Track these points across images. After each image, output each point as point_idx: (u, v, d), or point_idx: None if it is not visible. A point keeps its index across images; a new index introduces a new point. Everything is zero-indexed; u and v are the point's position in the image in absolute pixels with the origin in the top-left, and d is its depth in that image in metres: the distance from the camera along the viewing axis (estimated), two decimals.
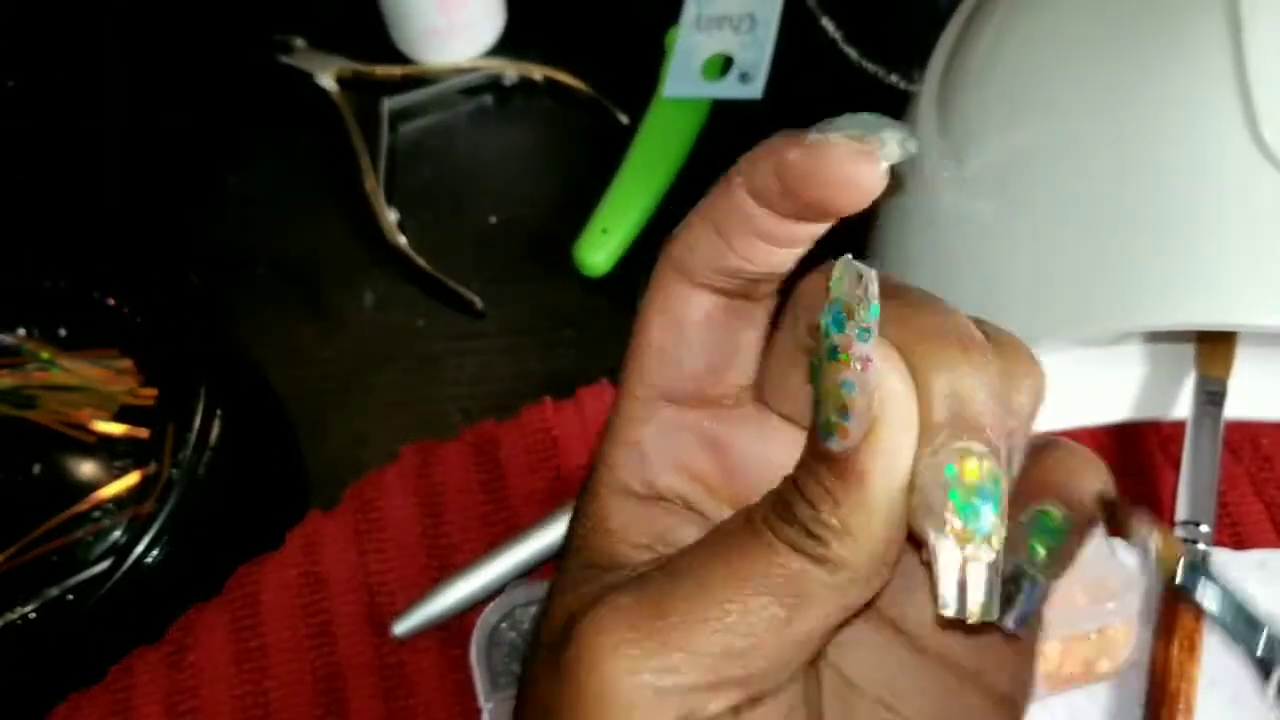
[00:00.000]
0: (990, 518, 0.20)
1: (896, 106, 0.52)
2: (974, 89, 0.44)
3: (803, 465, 0.21)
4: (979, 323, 0.22)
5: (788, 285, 0.25)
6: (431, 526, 0.51)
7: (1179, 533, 0.44)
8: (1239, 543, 0.47)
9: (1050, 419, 0.53)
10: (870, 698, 0.24)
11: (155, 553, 0.45)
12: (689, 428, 0.25)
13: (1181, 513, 0.44)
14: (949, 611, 0.20)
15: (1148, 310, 0.37)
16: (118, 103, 0.66)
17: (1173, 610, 0.44)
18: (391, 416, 0.55)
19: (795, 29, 0.62)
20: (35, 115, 0.66)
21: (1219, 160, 0.36)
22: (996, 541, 0.20)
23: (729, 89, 0.60)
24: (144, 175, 0.64)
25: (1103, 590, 0.45)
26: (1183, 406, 0.48)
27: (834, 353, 0.20)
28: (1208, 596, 0.20)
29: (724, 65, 0.61)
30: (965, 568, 0.20)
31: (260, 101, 0.65)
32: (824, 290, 0.22)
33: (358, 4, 0.65)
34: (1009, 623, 0.22)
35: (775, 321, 0.25)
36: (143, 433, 0.51)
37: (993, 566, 0.20)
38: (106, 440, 0.51)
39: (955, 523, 0.20)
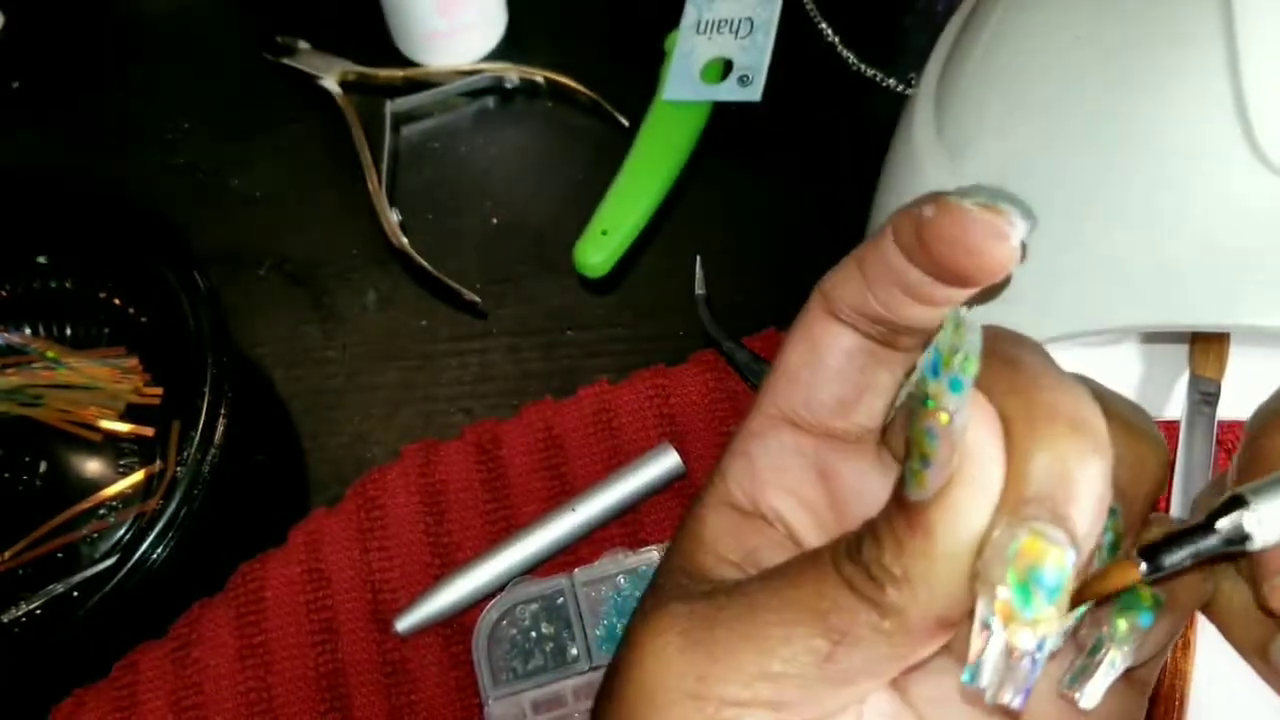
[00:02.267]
0: (1042, 606, 0.19)
1: (894, 109, 0.52)
2: (971, 92, 0.45)
3: (884, 509, 0.21)
4: (1104, 399, 0.21)
5: None
6: (434, 524, 0.51)
7: None
8: None
9: None
10: None
11: (160, 550, 0.45)
12: (804, 452, 0.25)
13: (1175, 512, 0.45)
14: (965, 680, 0.20)
15: (1141, 310, 0.37)
16: (120, 103, 0.67)
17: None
18: (394, 415, 0.56)
19: (794, 32, 0.63)
20: (40, 115, 0.67)
21: (1213, 162, 0.37)
22: (1041, 630, 0.19)
23: (728, 92, 0.60)
24: (149, 176, 0.64)
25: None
26: (1176, 406, 0.49)
27: (926, 400, 0.20)
28: (1175, 555, 0.20)
29: (723, 68, 0.61)
30: (992, 647, 0.19)
31: (264, 103, 0.66)
32: None
33: (361, 7, 0.65)
34: (1085, 695, 0.21)
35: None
36: (148, 431, 0.51)
37: (1029, 656, 0.19)
38: (112, 438, 0.51)
39: (1005, 599, 0.19)
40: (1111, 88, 0.39)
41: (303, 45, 0.66)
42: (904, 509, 0.20)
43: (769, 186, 0.60)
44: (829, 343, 0.24)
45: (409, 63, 0.65)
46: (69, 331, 0.54)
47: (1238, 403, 0.48)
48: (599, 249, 0.57)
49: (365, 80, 0.64)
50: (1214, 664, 0.44)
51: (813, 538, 0.25)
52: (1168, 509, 0.45)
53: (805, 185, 0.60)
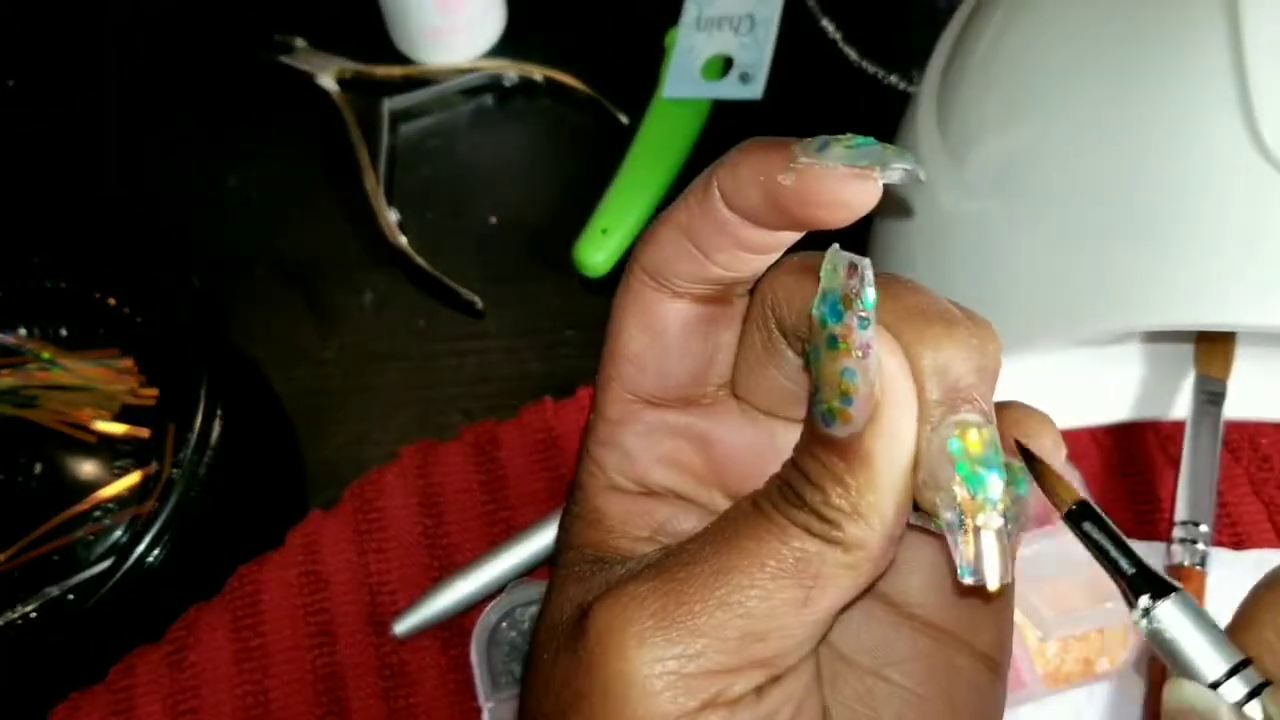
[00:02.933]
0: (997, 485, 0.21)
1: (896, 107, 0.52)
2: (973, 89, 0.44)
3: (804, 452, 0.22)
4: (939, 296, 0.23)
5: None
6: (432, 526, 0.51)
7: (1178, 533, 0.44)
8: (1238, 543, 0.47)
9: (1051, 418, 0.53)
10: (863, 669, 0.25)
11: (156, 552, 0.45)
12: (671, 427, 0.26)
13: (1181, 513, 0.44)
14: (969, 580, 0.21)
15: (1147, 310, 0.37)
16: (118, 102, 0.66)
17: None
18: (392, 416, 0.55)
19: (795, 29, 0.63)
20: (36, 115, 0.66)
21: (1218, 160, 0.36)
22: (1004, 507, 0.21)
23: (729, 89, 0.60)
24: (144, 175, 0.64)
25: (1102, 590, 0.45)
26: (1182, 406, 0.48)
27: (833, 342, 0.21)
28: (1093, 530, 0.21)
29: (724, 66, 0.61)
30: (979, 536, 0.21)
31: (261, 102, 0.65)
32: (799, 284, 0.23)
33: (358, 4, 0.65)
34: (989, 575, 0.22)
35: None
36: (143, 432, 0.51)
37: (1002, 532, 0.21)
38: (107, 440, 0.51)
39: (964, 494, 0.20)
40: (1115, 86, 0.39)
41: (300, 43, 0.65)
42: (833, 447, 0.21)
43: None
44: (666, 320, 0.25)
45: (407, 60, 0.65)
46: (64, 332, 0.53)
47: (1244, 403, 0.48)
48: (599, 248, 0.57)
49: (363, 78, 0.64)
50: None
51: (704, 496, 0.26)
52: (1173, 509, 0.45)
53: None
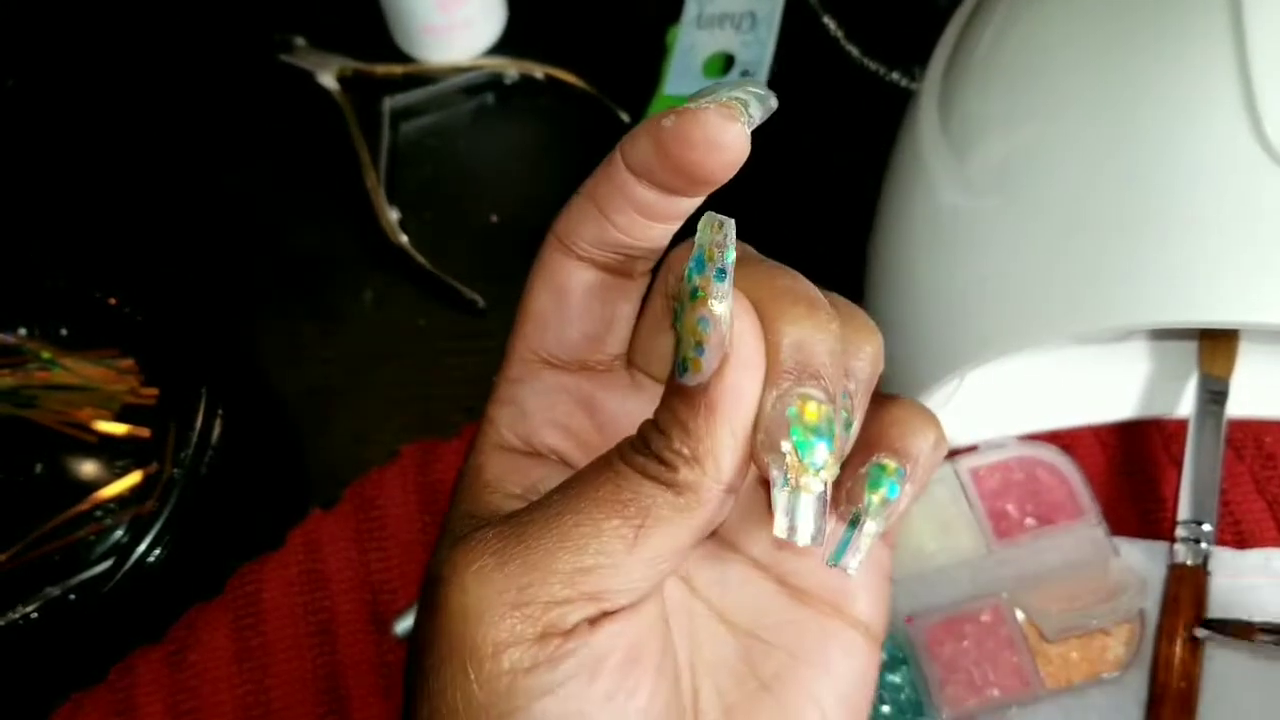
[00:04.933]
0: (823, 454, 0.22)
1: (898, 104, 0.52)
2: (975, 86, 0.44)
3: (661, 405, 0.23)
4: (826, 293, 0.25)
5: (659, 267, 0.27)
6: (432, 525, 0.51)
7: (1181, 532, 0.44)
8: (1241, 542, 0.47)
9: (1053, 417, 0.53)
10: (741, 629, 0.27)
11: (157, 552, 0.45)
12: (566, 389, 0.27)
13: (1184, 512, 0.44)
14: (781, 534, 0.22)
15: (1150, 308, 0.37)
16: (118, 101, 0.66)
17: (1174, 610, 0.44)
18: (392, 415, 0.55)
19: (796, 27, 0.62)
20: (35, 114, 0.66)
21: (1222, 157, 0.36)
22: (826, 475, 0.22)
23: None
24: (145, 174, 0.64)
25: (1104, 590, 0.45)
26: (1186, 404, 0.48)
27: (695, 293, 0.22)
28: None
29: (725, 63, 0.61)
30: (798, 498, 0.22)
31: (261, 100, 0.65)
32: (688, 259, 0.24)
33: (358, 3, 0.65)
34: (849, 561, 0.24)
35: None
36: (144, 432, 0.51)
37: (820, 498, 0.22)
38: (108, 440, 0.51)
39: (792, 457, 0.22)
40: (1118, 81, 0.39)
41: (300, 42, 0.65)
42: (683, 395, 0.23)
43: (771, 182, 0.60)
44: (570, 282, 0.27)
45: (407, 59, 0.65)
46: (64, 332, 0.53)
47: (1248, 401, 0.48)
48: None
49: (363, 76, 0.64)
50: (1223, 665, 0.44)
51: (584, 461, 0.27)
52: (1176, 508, 0.45)
53: (808, 181, 0.59)
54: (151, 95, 0.66)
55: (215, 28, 0.69)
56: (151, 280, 0.52)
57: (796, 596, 0.28)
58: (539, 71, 0.64)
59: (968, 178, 0.42)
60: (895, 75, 0.62)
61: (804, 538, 0.22)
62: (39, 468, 0.51)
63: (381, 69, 0.64)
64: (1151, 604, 0.45)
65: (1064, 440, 0.49)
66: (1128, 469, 0.50)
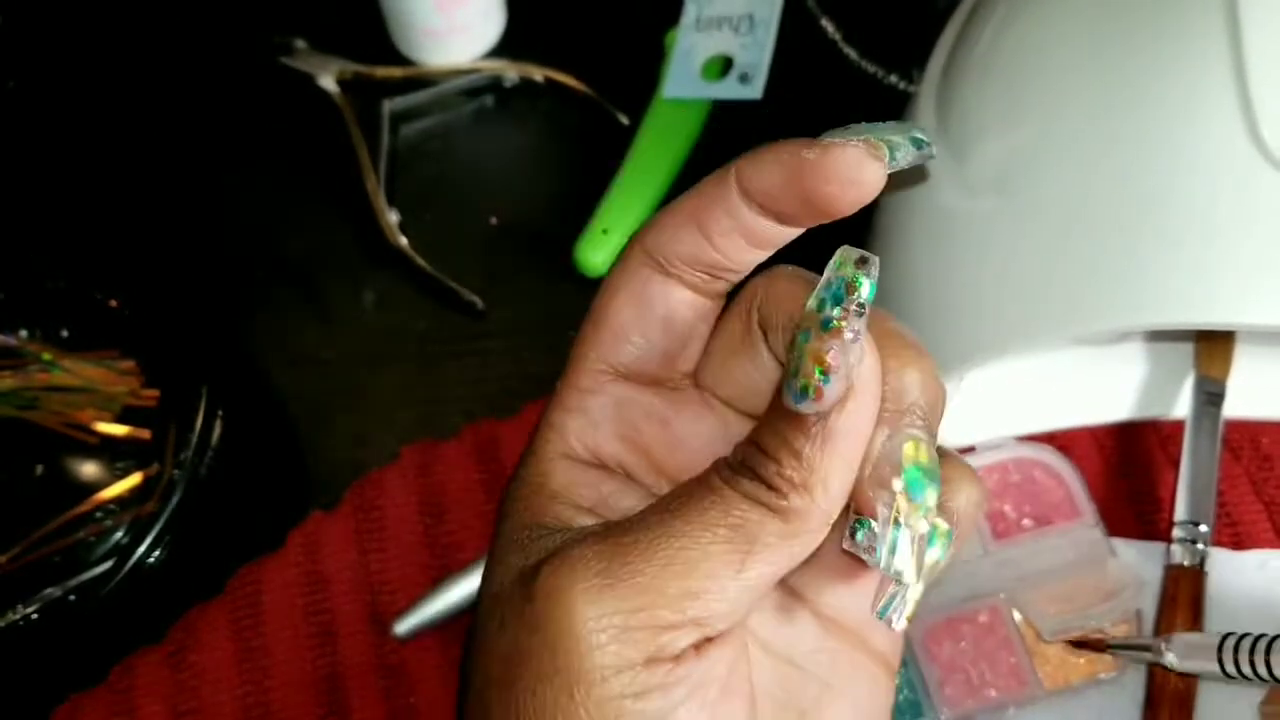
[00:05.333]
0: (932, 496, 0.23)
1: (896, 106, 0.52)
2: (973, 88, 0.44)
3: (764, 428, 0.23)
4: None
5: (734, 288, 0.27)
6: (432, 526, 0.51)
7: (1178, 533, 0.44)
8: (1238, 543, 0.47)
9: (1050, 418, 0.53)
10: (779, 656, 0.27)
11: (157, 553, 0.45)
12: (638, 404, 0.27)
13: (1180, 513, 0.44)
14: (880, 568, 0.23)
15: (1147, 310, 0.37)
16: (119, 103, 0.66)
17: (1171, 611, 0.44)
18: (392, 416, 0.55)
19: (795, 29, 0.62)
20: (36, 116, 0.66)
21: (1218, 159, 0.36)
22: (931, 518, 0.23)
23: (729, 90, 0.60)
24: (145, 176, 0.64)
25: (1102, 590, 0.45)
26: (1183, 406, 0.48)
27: (828, 323, 0.22)
28: None
29: (724, 66, 0.61)
30: (901, 536, 0.23)
31: (261, 103, 0.65)
32: (791, 287, 0.25)
33: (358, 5, 0.65)
34: (895, 620, 0.24)
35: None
36: (144, 433, 0.51)
37: (923, 539, 0.23)
38: (108, 441, 0.51)
39: (903, 496, 0.23)
40: (1115, 84, 0.39)
41: (300, 44, 0.65)
42: (796, 421, 0.22)
43: None
44: (656, 299, 0.26)
45: (407, 61, 0.65)
46: (65, 333, 0.53)
47: (1244, 402, 0.48)
48: (600, 248, 0.57)
49: (363, 79, 0.64)
50: None
51: (650, 479, 0.27)
52: (1173, 508, 0.45)
53: None
54: (152, 97, 0.66)
55: (215, 30, 0.69)
56: (152, 282, 0.52)
57: (826, 626, 0.28)
58: (538, 74, 0.64)
59: (966, 179, 0.43)
60: (893, 77, 0.62)
61: (908, 576, 0.23)
62: (40, 469, 0.51)
63: (381, 71, 0.64)
64: (1149, 605, 0.45)
65: (1061, 441, 0.50)
66: (1125, 470, 0.50)
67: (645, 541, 0.23)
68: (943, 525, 0.24)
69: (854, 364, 0.22)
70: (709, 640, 0.24)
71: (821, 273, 0.23)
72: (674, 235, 0.26)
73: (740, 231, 0.25)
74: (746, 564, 0.23)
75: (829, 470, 0.23)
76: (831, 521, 0.23)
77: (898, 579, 0.23)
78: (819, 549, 0.24)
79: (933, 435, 0.24)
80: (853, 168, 0.23)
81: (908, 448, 0.23)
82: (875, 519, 0.23)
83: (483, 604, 0.25)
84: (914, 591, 0.24)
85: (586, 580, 0.23)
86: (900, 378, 0.24)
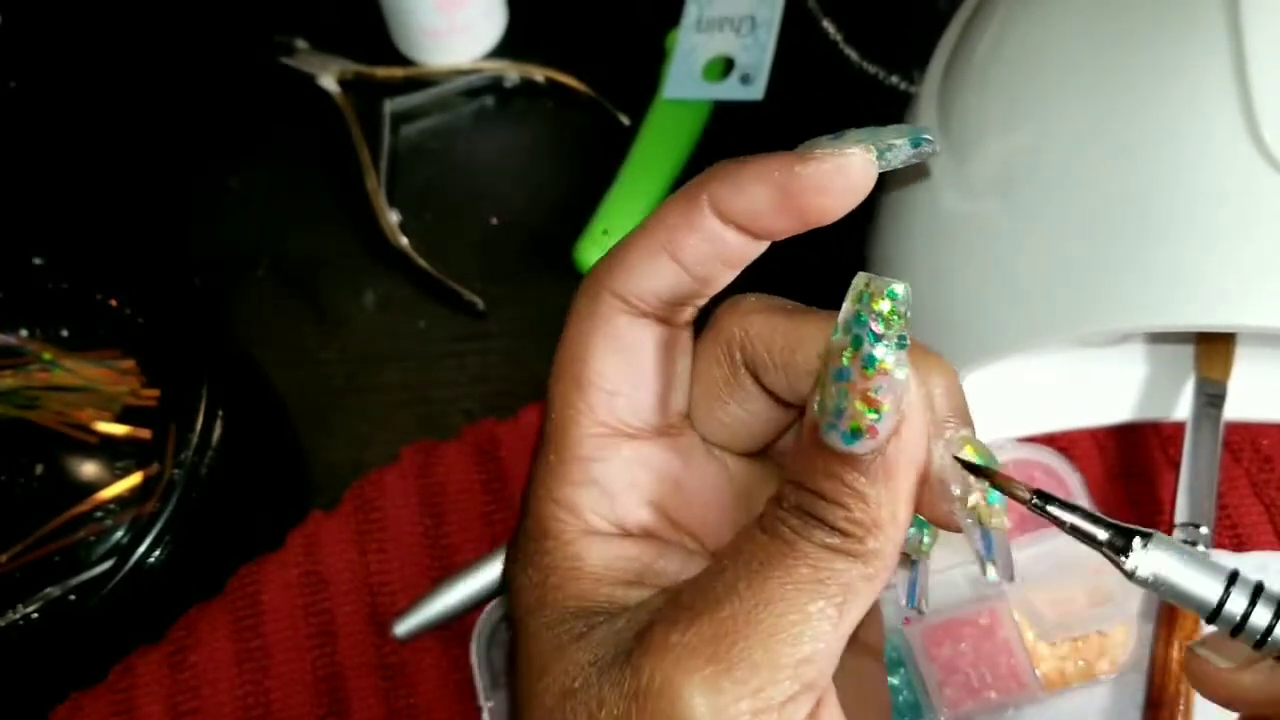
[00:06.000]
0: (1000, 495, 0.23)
1: (897, 107, 0.52)
2: (974, 90, 0.44)
3: (815, 473, 0.22)
4: None
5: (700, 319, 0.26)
6: (432, 526, 0.51)
7: (1178, 535, 0.44)
8: (1239, 545, 0.47)
9: (1051, 419, 0.53)
10: None
11: (157, 553, 0.45)
12: (646, 462, 0.26)
13: (1181, 514, 0.44)
14: (998, 577, 0.23)
15: (1147, 311, 0.37)
16: (120, 104, 0.66)
17: (1172, 613, 0.44)
18: (393, 417, 0.55)
19: (796, 31, 0.62)
20: (37, 116, 0.66)
21: (1219, 161, 0.36)
22: (1004, 508, 0.23)
23: (730, 91, 0.60)
24: (146, 176, 0.64)
25: (1101, 592, 0.45)
26: (1183, 408, 0.48)
27: (871, 362, 0.21)
28: (1060, 510, 0.23)
29: (725, 67, 0.61)
30: (995, 538, 0.23)
31: (262, 103, 0.65)
32: (771, 321, 0.24)
33: (359, 5, 0.65)
34: (924, 604, 0.26)
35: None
36: (145, 433, 0.51)
37: (1006, 534, 0.23)
38: (109, 441, 0.51)
39: (981, 500, 0.23)
40: (1116, 86, 0.39)
41: (300, 44, 0.65)
42: (854, 464, 0.22)
43: None
44: (639, 341, 0.25)
45: (408, 61, 0.65)
46: (65, 333, 0.53)
47: (1245, 404, 0.48)
48: (600, 248, 0.57)
49: (364, 79, 0.64)
50: None
51: (673, 535, 0.26)
52: (1173, 509, 0.45)
53: None
54: (153, 98, 0.66)
55: (217, 30, 0.69)
56: (152, 281, 0.52)
57: None
58: (539, 74, 0.64)
59: (967, 181, 0.43)
60: (895, 79, 0.62)
61: (1009, 574, 0.23)
62: (40, 469, 0.51)
63: (382, 72, 0.64)
64: (1149, 607, 0.45)
65: (1062, 443, 0.50)
66: (1125, 472, 0.50)
67: (742, 616, 0.22)
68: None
69: (901, 396, 0.22)
70: (819, 701, 0.23)
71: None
72: (646, 272, 0.24)
73: (718, 255, 0.24)
74: (844, 615, 0.22)
75: (897, 504, 0.22)
76: (900, 549, 0.23)
77: (994, 577, 0.23)
78: None
79: (973, 427, 0.24)
80: (848, 175, 0.23)
81: (966, 451, 0.23)
82: (957, 530, 0.23)
83: (545, 703, 0.23)
84: (1002, 534, 0.24)
85: (700, 669, 0.22)
86: (940, 386, 0.24)
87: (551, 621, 0.24)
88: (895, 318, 0.22)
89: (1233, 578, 0.23)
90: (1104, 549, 0.23)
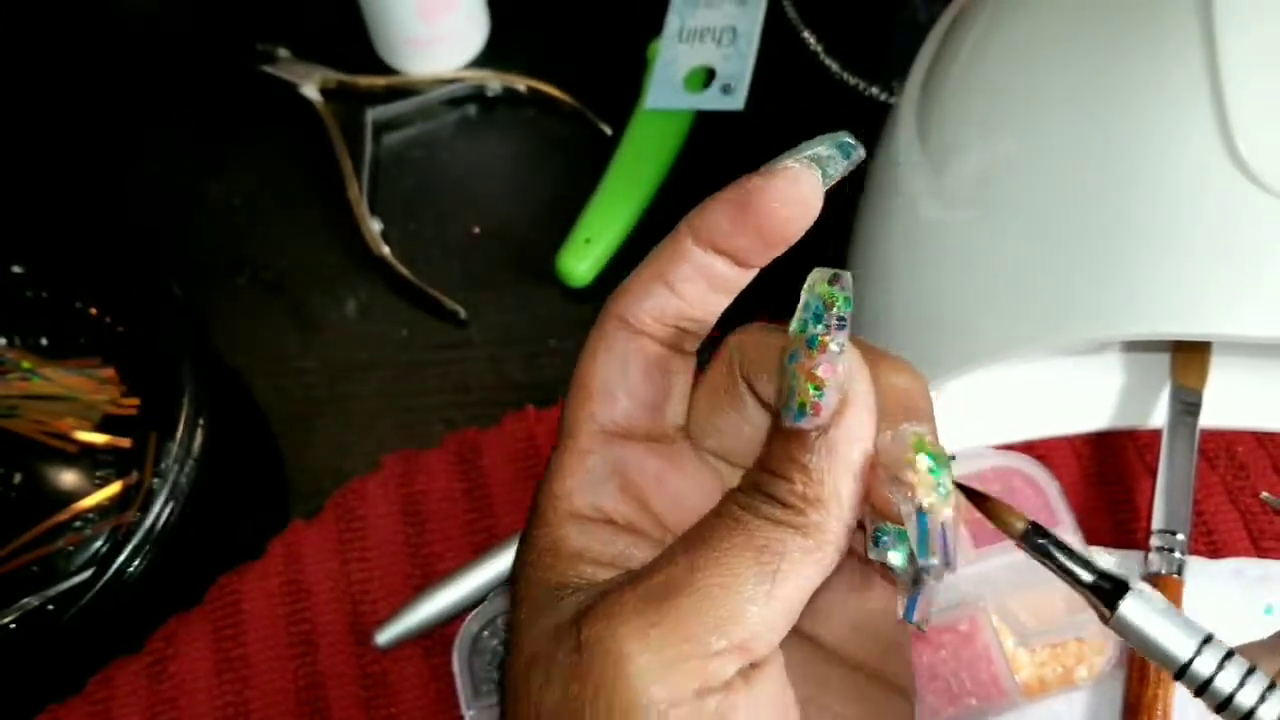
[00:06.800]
0: (948, 482, 0.24)
1: (877, 118, 0.52)
2: (953, 100, 0.45)
3: (770, 451, 0.24)
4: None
5: (709, 346, 0.29)
6: (414, 535, 0.51)
7: (1155, 541, 0.44)
8: (1215, 551, 0.48)
9: (1029, 427, 0.53)
10: (805, 699, 0.28)
11: (137, 563, 0.45)
12: (637, 462, 0.28)
13: (1157, 521, 0.45)
14: (933, 563, 0.24)
15: (1123, 320, 0.37)
16: (101, 111, 0.66)
17: None
18: (374, 425, 0.55)
19: (777, 42, 0.63)
20: (15, 123, 0.66)
21: (1194, 172, 0.37)
22: (951, 499, 0.24)
23: (711, 101, 0.60)
24: (127, 183, 0.64)
25: (1080, 600, 0.45)
26: (1160, 415, 0.49)
27: (814, 341, 0.24)
28: (1052, 547, 0.24)
29: (706, 77, 0.61)
30: (941, 525, 0.24)
31: (244, 111, 0.65)
32: (765, 336, 0.27)
33: (341, 14, 0.65)
34: (920, 618, 0.26)
35: (698, 371, 0.29)
36: (125, 442, 0.51)
37: (951, 525, 0.24)
38: (88, 450, 0.51)
39: (926, 488, 0.24)
40: (1093, 97, 0.39)
41: (283, 53, 0.65)
42: (799, 438, 0.24)
43: None
44: (631, 355, 0.28)
45: (390, 70, 0.65)
46: (45, 341, 0.53)
47: (1220, 411, 0.48)
48: (582, 258, 0.57)
49: (346, 88, 0.64)
50: None
51: (656, 533, 0.28)
52: (1150, 516, 0.45)
53: None
54: (134, 105, 0.66)
55: (199, 39, 0.69)
56: (132, 289, 0.51)
57: (844, 667, 0.29)
58: (521, 84, 0.64)
59: (945, 191, 0.43)
60: (874, 89, 0.63)
61: (944, 563, 0.24)
62: (18, 478, 0.51)
63: (364, 80, 0.64)
64: None
65: (1039, 450, 0.50)
66: (1102, 479, 0.50)
67: (679, 577, 0.24)
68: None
69: (843, 374, 0.23)
70: (754, 667, 0.24)
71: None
72: (642, 295, 0.27)
73: (701, 276, 0.27)
74: (777, 582, 0.23)
75: (838, 478, 0.24)
76: (850, 531, 0.24)
77: (926, 572, 0.24)
78: (828, 585, 0.25)
79: (934, 430, 0.25)
80: (795, 184, 0.25)
81: (913, 440, 0.24)
82: (897, 520, 0.24)
83: (517, 665, 0.26)
84: (949, 530, 0.25)
85: (629, 623, 0.23)
86: (890, 383, 0.25)
87: (532, 594, 0.26)
88: (836, 300, 0.24)
89: (1207, 638, 0.23)
90: (1085, 592, 0.24)
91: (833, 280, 0.24)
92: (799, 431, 0.24)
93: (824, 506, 0.24)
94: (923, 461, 0.24)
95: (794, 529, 0.24)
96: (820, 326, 0.24)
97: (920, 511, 0.23)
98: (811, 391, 0.23)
